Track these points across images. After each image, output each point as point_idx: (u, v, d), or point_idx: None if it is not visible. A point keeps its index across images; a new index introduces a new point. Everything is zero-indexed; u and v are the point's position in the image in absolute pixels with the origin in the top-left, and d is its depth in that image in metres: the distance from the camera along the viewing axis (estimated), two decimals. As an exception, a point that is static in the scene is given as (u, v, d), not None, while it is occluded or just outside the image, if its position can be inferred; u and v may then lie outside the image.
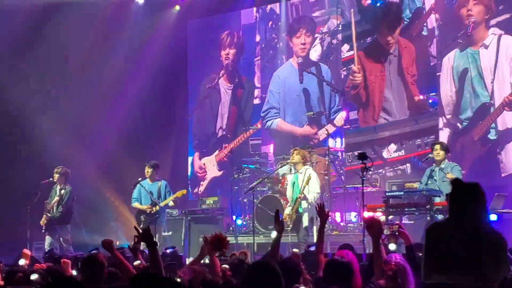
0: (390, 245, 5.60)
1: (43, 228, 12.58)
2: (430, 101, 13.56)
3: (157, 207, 12.11)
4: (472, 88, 12.94)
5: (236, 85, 16.38)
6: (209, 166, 16.35)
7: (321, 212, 5.89)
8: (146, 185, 12.41)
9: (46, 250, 12.03)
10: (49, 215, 12.50)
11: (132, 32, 16.04)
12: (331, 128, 14.43)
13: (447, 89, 13.29)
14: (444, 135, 13.17)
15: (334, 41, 14.85)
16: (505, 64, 12.60)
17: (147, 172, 12.49)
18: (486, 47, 12.79)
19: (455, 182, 4.04)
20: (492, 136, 12.63)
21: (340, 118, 14.50)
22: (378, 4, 14.31)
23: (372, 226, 4.79)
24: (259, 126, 15.50)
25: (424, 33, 13.66)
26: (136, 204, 12.47)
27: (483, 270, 3.83)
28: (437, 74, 13.44)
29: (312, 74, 15.00)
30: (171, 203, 12.54)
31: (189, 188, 16.34)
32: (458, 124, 13.11)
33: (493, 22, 12.81)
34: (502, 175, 12.44)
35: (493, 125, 12.64)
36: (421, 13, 13.74)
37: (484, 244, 3.87)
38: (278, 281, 3.93)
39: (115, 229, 14.73)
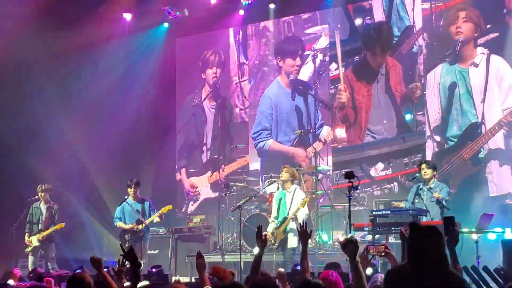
0: (367, 270, 5.55)
1: (28, 247, 12.51)
2: (418, 119, 13.59)
3: (143, 225, 12.02)
4: (460, 106, 12.98)
5: (220, 104, 16.35)
6: (201, 187, 16.23)
7: (303, 232, 5.84)
8: (130, 202, 12.32)
9: (30, 269, 11.97)
10: (44, 234, 12.42)
11: (120, 49, 16.00)
12: (318, 146, 14.42)
13: (434, 106, 13.31)
14: (430, 153, 13.19)
15: (326, 58, 14.89)
16: (494, 84, 12.63)
17: (130, 191, 12.37)
18: (476, 65, 12.83)
19: (412, 227, 3.97)
20: (481, 155, 12.67)
21: (326, 134, 14.50)
22: (368, 24, 14.39)
23: (347, 247, 4.77)
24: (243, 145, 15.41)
25: (414, 50, 13.72)
26: (120, 224, 12.32)
27: None
28: (422, 93, 13.49)
29: (303, 91, 15.01)
30: (156, 219, 12.42)
31: (176, 208, 16.29)
32: (445, 142, 13.13)
33: (481, 41, 12.85)
34: (491, 195, 12.46)
35: (483, 144, 12.70)
36: (411, 31, 13.79)
37: None
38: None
39: (100, 246, 14.61)
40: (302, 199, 10.66)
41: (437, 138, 13.18)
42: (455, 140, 12.99)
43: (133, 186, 12.25)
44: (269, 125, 15.46)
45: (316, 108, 14.81)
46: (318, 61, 15.02)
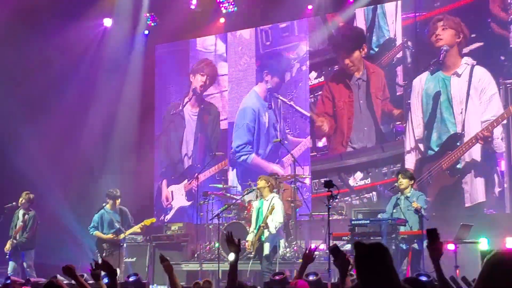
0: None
1: (7, 253, 12.40)
2: (397, 129, 13.63)
3: (124, 235, 11.90)
4: (441, 114, 13.05)
5: (202, 110, 16.31)
6: (177, 195, 16.17)
7: (308, 255, 5.83)
8: (108, 211, 12.20)
9: (9, 275, 11.86)
10: (14, 241, 12.32)
11: (100, 55, 15.92)
12: (288, 159, 14.43)
13: (417, 113, 13.35)
14: (411, 160, 13.24)
15: (303, 68, 14.91)
16: (475, 95, 12.70)
17: (110, 202, 12.26)
18: (459, 75, 12.91)
19: (356, 246, 3.95)
20: (459, 166, 12.74)
21: (301, 145, 14.53)
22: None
23: (338, 260, 4.72)
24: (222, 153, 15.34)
25: (394, 62, 13.78)
26: (97, 233, 12.16)
27: None
28: (403, 102, 13.54)
29: (280, 100, 15.03)
30: (136, 230, 12.34)
31: (155, 213, 16.21)
32: (426, 150, 13.18)
33: (465, 50, 12.93)
34: (466, 205, 12.54)
35: (461, 155, 12.78)
36: (391, 44, 13.83)
37: None
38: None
39: (83, 251, 14.47)
40: (270, 207, 10.64)
41: (420, 145, 13.24)
42: (436, 149, 13.05)
43: (114, 197, 12.16)
44: (252, 139, 15.43)
45: (295, 118, 14.83)
46: (295, 70, 15.05)
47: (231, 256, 5.43)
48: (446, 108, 12.99)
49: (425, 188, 12.72)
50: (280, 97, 15.06)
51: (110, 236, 11.95)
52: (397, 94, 13.66)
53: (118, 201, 12.28)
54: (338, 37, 14.47)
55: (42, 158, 14.88)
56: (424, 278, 7.14)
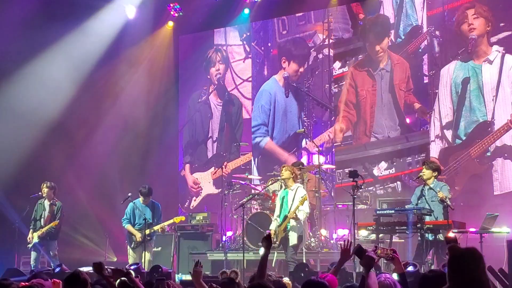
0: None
1: (30, 243, 12.52)
2: (422, 119, 13.56)
3: (152, 230, 11.95)
4: (470, 103, 12.96)
5: (226, 101, 16.37)
6: (204, 182, 16.27)
7: (345, 251, 5.85)
8: (139, 205, 12.27)
9: (32, 265, 11.99)
10: (43, 230, 12.43)
11: (124, 47, 15.98)
12: (311, 147, 14.41)
13: (445, 103, 13.27)
14: (437, 149, 13.16)
15: (320, 56, 14.88)
16: (506, 83, 12.61)
17: (142, 199, 12.26)
18: (491, 62, 12.81)
19: (452, 250, 3.96)
20: (488, 154, 12.66)
21: (322, 137, 14.53)
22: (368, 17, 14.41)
23: (363, 259, 4.81)
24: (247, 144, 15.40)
25: (420, 51, 13.68)
26: (128, 227, 12.14)
27: None
28: (429, 91, 13.46)
29: (299, 89, 15.03)
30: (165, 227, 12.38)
31: (179, 203, 16.37)
32: (453, 139, 13.09)
33: (494, 39, 12.83)
34: (495, 193, 12.45)
35: (490, 142, 12.69)
36: (418, 31, 13.75)
37: None
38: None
39: (104, 243, 14.62)
40: (301, 197, 10.61)
41: (447, 135, 13.15)
42: (464, 138, 12.97)
43: (145, 194, 12.17)
44: (267, 121, 15.50)
45: (312, 106, 14.82)
46: (312, 58, 15.02)
47: (261, 251, 5.56)
48: (476, 96, 12.89)
49: (453, 177, 12.64)
50: (298, 86, 15.07)
51: (139, 235, 11.94)
52: (424, 82, 13.56)
53: (150, 197, 12.30)
54: (365, 25, 14.40)
55: (67, 150, 15.05)
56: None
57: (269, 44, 15.86)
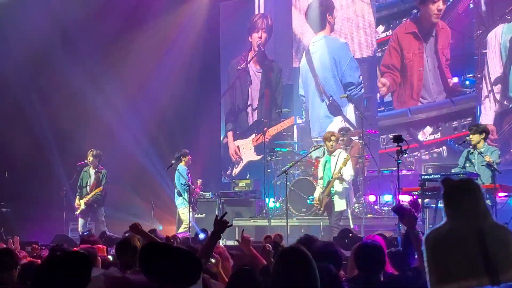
0: None
1: (78, 210, 12.76)
2: (467, 82, 13.30)
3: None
4: (520, 64, 12.67)
5: (266, 68, 16.26)
6: (245, 149, 16.30)
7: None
8: (182, 170, 12.63)
9: (80, 232, 12.23)
10: (88, 197, 12.66)
11: (163, 15, 16.01)
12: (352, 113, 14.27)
13: (495, 66, 12.98)
14: (488, 114, 12.90)
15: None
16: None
17: (185, 159, 12.71)
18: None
19: (445, 182, 3.78)
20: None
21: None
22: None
23: (404, 218, 4.64)
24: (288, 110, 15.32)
25: (471, 7, 13.37)
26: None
27: (496, 269, 3.59)
28: (476, 52, 13.15)
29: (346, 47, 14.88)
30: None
31: (222, 171, 16.45)
32: (506, 102, 12.82)
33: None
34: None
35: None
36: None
37: (490, 241, 3.62)
38: (310, 267, 3.79)
39: (149, 210, 14.79)
40: (344, 158, 10.53)
41: (499, 98, 12.87)
42: (518, 100, 12.70)
43: (187, 155, 12.66)
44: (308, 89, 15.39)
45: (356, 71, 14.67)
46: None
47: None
48: (527, 57, 12.59)
49: (508, 141, 12.38)
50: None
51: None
52: (471, 44, 13.26)
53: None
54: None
55: (110, 117, 15.24)
56: None
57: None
